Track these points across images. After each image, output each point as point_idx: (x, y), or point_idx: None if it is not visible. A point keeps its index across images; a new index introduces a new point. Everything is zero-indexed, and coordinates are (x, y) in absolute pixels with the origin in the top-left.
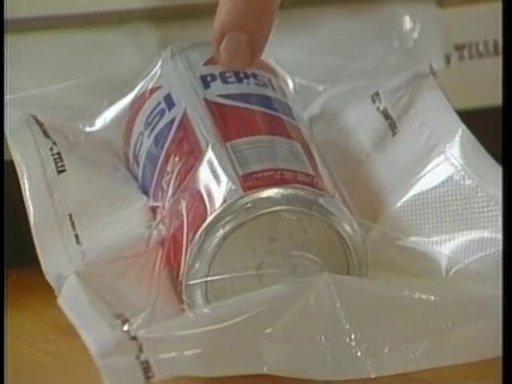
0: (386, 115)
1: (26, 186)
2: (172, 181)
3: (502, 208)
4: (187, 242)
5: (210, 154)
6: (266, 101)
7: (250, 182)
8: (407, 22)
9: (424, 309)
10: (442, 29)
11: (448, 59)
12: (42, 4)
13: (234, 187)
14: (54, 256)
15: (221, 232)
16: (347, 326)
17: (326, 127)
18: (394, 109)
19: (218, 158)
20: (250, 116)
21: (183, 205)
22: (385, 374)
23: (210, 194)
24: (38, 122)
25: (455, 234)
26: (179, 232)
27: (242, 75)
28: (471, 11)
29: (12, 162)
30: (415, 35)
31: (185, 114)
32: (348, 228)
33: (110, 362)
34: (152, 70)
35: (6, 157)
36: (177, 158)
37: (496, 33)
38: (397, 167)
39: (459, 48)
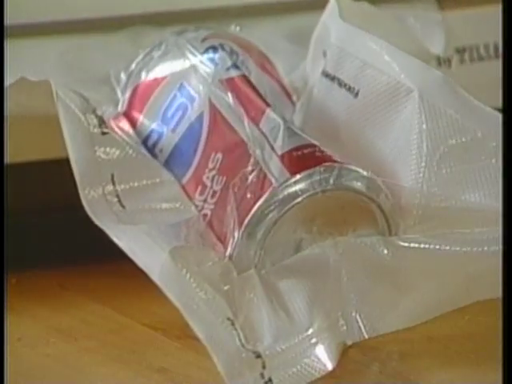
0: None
1: (70, 142)
2: (216, 177)
3: (502, 208)
4: (236, 228)
5: (249, 142)
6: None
7: (292, 161)
8: (407, 25)
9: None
10: (443, 32)
11: (449, 62)
12: (42, 10)
13: (278, 170)
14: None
15: (271, 217)
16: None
17: None
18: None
19: (256, 143)
20: (255, 89)
21: (232, 194)
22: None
23: (254, 180)
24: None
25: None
26: (228, 218)
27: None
28: (472, 14)
29: (12, 165)
30: None
31: (211, 105)
32: (386, 201)
33: (238, 381)
34: (145, 56)
35: (6, 159)
36: (219, 155)
37: (497, 36)
38: (370, 128)
39: (460, 51)
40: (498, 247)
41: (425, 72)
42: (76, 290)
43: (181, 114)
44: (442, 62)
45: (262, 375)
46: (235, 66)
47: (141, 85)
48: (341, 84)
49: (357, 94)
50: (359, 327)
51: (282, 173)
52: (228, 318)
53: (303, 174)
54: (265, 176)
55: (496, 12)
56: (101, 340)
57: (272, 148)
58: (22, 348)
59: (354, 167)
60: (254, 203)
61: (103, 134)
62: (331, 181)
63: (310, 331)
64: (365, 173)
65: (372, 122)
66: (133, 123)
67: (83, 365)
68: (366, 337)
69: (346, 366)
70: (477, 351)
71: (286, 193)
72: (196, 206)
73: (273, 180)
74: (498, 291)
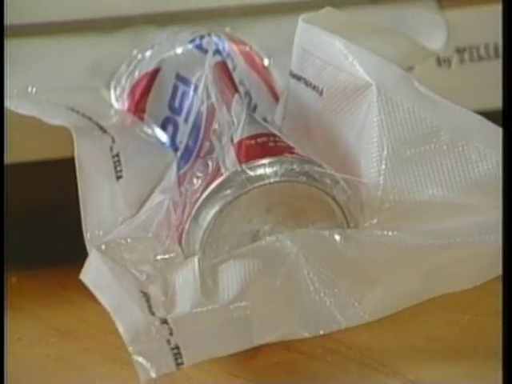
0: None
1: (84, 190)
2: (201, 166)
3: (502, 208)
4: (187, 216)
5: (219, 129)
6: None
7: (244, 150)
8: (408, 25)
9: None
10: (443, 32)
11: (449, 62)
12: (42, 10)
13: (229, 158)
14: None
15: (217, 205)
16: (316, 285)
17: None
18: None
19: (225, 129)
20: (231, 75)
21: (188, 181)
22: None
23: (214, 166)
24: (83, 115)
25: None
26: (181, 206)
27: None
28: (472, 14)
29: (12, 165)
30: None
31: (208, 93)
32: (342, 194)
33: (141, 347)
34: (139, 58)
35: (6, 159)
36: (208, 142)
37: (497, 36)
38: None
39: (460, 51)
40: (457, 240)
41: (383, 67)
42: (76, 289)
43: (189, 104)
44: (441, 61)
45: (169, 341)
46: (218, 51)
47: (137, 81)
48: (307, 83)
49: (321, 93)
50: (321, 319)
51: (232, 162)
52: (142, 291)
53: (251, 164)
54: (220, 164)
55: (496, 12)
56: (101, 340)
57: (231, 135)
58: (21, 348)
59: (308, 160)
60: (204, 191)
61: (118, 178)
62: (279, 172)
63: (235, 305)
64: (319, 166)
65: (338, 119)
66: (140, 118)
67: (83, 365)
68: (324, 331)
69: (344, 365)
70: (477, 351)
71: (232, 183)
72: (180, 193)
73: (223, 169)
74: (459, 284)
